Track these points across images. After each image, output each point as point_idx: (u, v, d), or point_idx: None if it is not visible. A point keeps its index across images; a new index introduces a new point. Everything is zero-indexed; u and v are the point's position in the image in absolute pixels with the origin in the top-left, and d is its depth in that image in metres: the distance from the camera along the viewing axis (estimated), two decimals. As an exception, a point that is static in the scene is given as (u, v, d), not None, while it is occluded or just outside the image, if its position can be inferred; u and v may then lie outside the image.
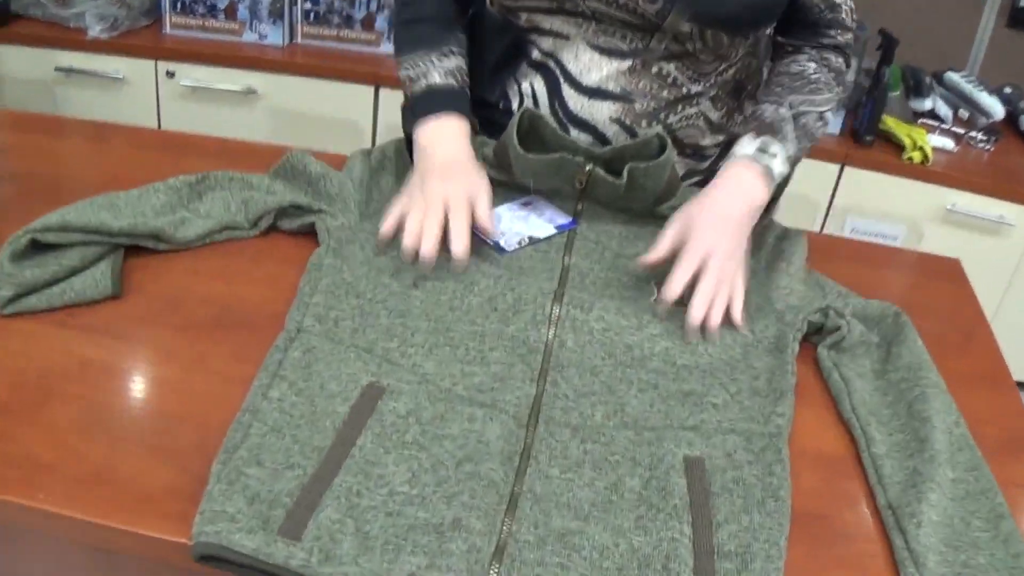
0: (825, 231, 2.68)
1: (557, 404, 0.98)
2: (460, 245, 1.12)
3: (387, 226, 1.15)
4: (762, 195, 1.19)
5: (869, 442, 1.00)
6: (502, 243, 1.19)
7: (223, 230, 1.19)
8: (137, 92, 2.73)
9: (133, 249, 1.14)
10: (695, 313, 1.10)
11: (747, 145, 1.23)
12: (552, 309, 1.08)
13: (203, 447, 0.88)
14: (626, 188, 1.23)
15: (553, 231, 1.22)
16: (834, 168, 2.58)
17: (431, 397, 0.96)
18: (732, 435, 0.98)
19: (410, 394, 0.96)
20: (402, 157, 1.32)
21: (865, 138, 2.59)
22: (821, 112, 1.27)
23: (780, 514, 0.89)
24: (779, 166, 1.21)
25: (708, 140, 1.38)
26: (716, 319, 1.11)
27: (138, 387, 0.96)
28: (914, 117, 2.72)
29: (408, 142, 1.30)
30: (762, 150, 1.21)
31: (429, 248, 1.11)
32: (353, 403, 0.94)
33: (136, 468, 0.86)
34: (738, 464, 0.95)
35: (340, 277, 1.11)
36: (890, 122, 2.65)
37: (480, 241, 1.19)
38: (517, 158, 1.24)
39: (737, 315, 1.12)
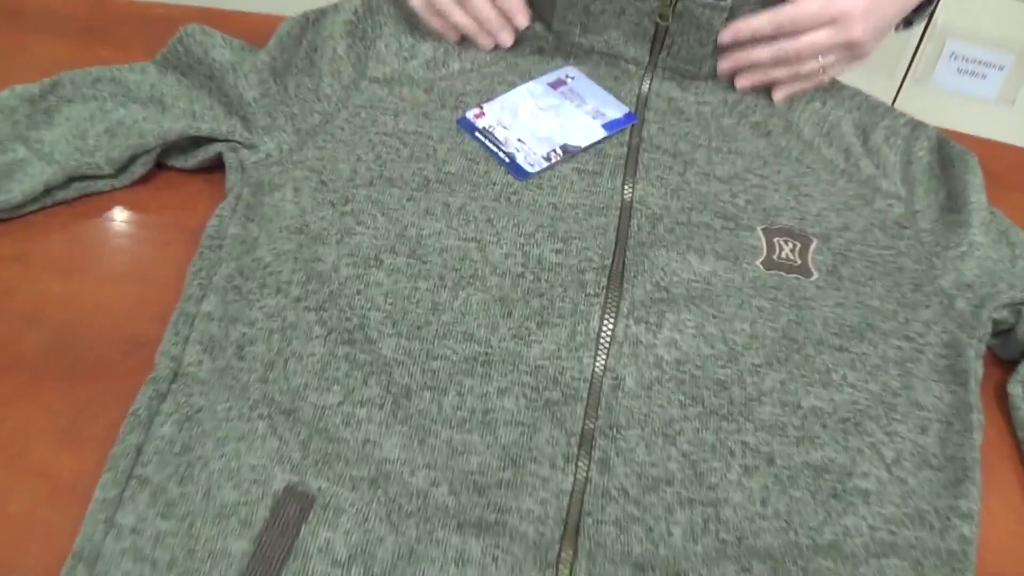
0: (920, 57, 2.15)
1: (608, 512, 0.58)
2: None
3: None
4: None
5: None
6: (520, 159, 0.76)
7: (72, 183, 0.75)
8: None
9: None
10: (741, 81, 0.83)
11: None
12: (602, 324, 0.66)
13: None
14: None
15: (601, 133, 0.78)
16: (934, -25, 2.04)
17: (392, 514, 0.57)
18: (892, 559, 0.59)
19: (356, 512, 0.56)
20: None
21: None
22: None
23: None
24: None
25: None
26: (777, 96, 0.83)
27: None
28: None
29: None
30: None
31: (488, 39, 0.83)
32: (258, 533, 0.55)
33: None
34: (909, 624, 0.56)
35: (252, 257, 0.68)
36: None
37: (486, 158, 0.76)
38: None
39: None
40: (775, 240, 0.74)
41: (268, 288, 0.66)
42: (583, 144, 0.78)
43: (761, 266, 0.72)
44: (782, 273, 0.72)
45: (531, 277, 0.68)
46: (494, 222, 0.71)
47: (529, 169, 0.75)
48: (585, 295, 0.67)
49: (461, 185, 0.73)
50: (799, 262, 0.73)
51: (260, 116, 0.76)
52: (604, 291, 0.67)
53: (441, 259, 0.69)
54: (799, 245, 0.74)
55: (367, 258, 0.68)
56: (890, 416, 0.65)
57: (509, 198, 0.73)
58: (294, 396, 0.61)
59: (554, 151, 0.77)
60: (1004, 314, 0.72)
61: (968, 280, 0.73)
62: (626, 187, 0.75)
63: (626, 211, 0.73)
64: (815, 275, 0.72)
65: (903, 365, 0.68)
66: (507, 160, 0.76)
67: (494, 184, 0.74)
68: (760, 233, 0.74)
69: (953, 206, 0.78)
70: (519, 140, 0.78)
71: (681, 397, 0.64)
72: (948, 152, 0.82)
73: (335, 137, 0.76)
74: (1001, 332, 0.73)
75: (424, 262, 0.68)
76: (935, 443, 0.64)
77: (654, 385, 0.64)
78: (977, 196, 0.78)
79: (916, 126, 0.84)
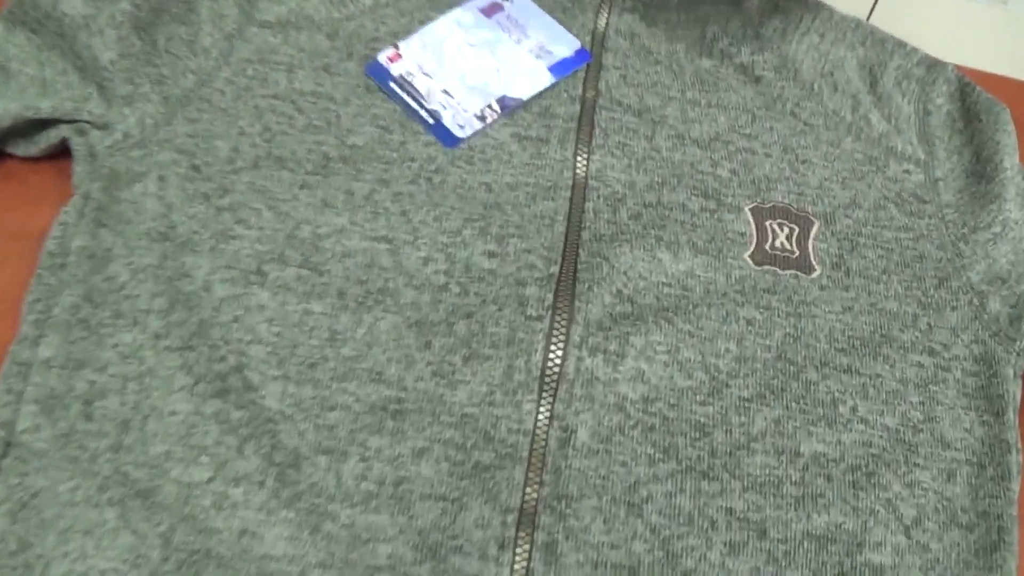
0: None
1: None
2: None
3: None
4: None
5: None
6: (447, 120, 0.61)
7: None
8: None
9: None
10: None
11: None
12: (547, 357, 0.52)
13: None
14: None
15: (547, 79, 0.63)
16: None
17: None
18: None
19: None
20: None
21: None
22: None
23: None
24: None
25: None
26: None
27: None
28: None
29: None
30: None
31: None
32: None
33: None
34: None
35: (103, 276, 0.54)
36: None
37: (402, 123, 0.61)
38: None
39: None
40: (767, 224, 0.59)
41: (123, 319, 0.52)
42: (525, 95, 0.62)
43: (750, 260, 0.57)
44: (776, 269, 0.57)
45: (457, 290, 0.54)
46: (410, 215, 0.56)
47: (459, 133, 0.60)
48: (525, 317, 0.53)
49: (369, 163, 0.58)
50: (797, 253, 0.58)
51: (119, 83, 0.60)
52: (550, 311, 0.53)
53: (342, 268, 0.54)
54: (797, 230, 0.59)
55: (247, 271, 0.54)
56: (910, 460, 0.52)
57: (430, 179, 0.58)
58: (153, 471, 0.48)
59: (489, 107, 0.62)
60: None
61: (1001, 271, 0.59)
62: (579, 158, 0.60)
63: (579, 191, 0.58)
64: (817, 270, 0.58)
65: (926, 388, 0.54)
66: (431, 121, 0.60)
67: (411, 160, 0.59)
68: (748, 215, 0.59)
69: (982, 172, 0.63)
70: (445, 92, 0.62)
71: (650, 450, 0.50)
72: (973, 101, 0.66)
73: (213, 104, 0.60)
74: None
75: (320, 273, 0.54)
76: (964, 493, 0.51)
77: (615, 435, 0.50)
78: (1011, 160, 0.62)
79: (932, 66, 0.68)
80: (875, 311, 0.56)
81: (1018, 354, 0.56)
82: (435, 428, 0.50)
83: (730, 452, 0.51)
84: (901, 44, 0.68)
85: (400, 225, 0.56)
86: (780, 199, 0.61)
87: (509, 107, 0.62)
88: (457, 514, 0.47)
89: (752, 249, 0.58)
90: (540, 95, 0.63)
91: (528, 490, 0.48)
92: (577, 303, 0.53)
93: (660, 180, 0.60)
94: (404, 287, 0.54)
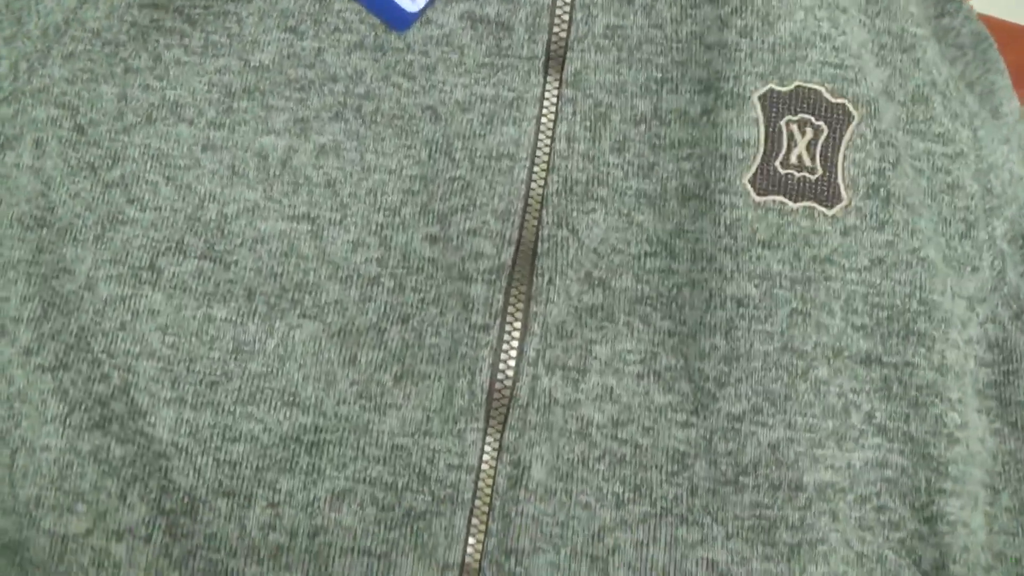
0: None
1: None
2: None
3: None
4: None
5: None
6: None
7: None
8: None
9: None
10: None
11: None
12: (495, 375, 0.43)
13: None
14: None
15: None
16: None
17: None
18: None
19: None
20: None
21: None
22: None
23: None
24: None
25: None
26: None
27: None
28: None
29: None
30: None
31: None
32: None
33: None
34: None
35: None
36: None
37: (316, 18, 0.48)
38: None
39: None
40: (783, 124, 0.44)
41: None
42: None
43: (750, 189, 0.44)
44: (786, 201, 0.43)
45: (391, 284, 0.44)
46: (337, 185, 0.46)
47: (410, 7, 0.47)
48: (469, 325, 0.43)
49: (280, 94, 0.46)
50: (819, 171, 0.44)
51: (6, 24, 0.49)
52: (499, 318, 0.43)
53: (253, 257, 0.45)
54: (825, 131, 0.44)
55: (138, 267, 0.44)
56: (934, 485, 0.43)
57: (359, 108, 0.46)
58: (22, 520, 0.40)
59: None
60: None
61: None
62: (553, 50, 0.46)
63: (551, 106, 0.46)
64: (844, 199, 0.44)
65: (961, 380, 0.44)
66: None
67: (332, 80, 0.47)
68: (756, 106, 0.45)
69: (984, 106, 0.49)
70: None
71: (618, 488, 0.41)
72: (954, 27, 0.50)
73: (85, 27, 0.48)
74: None
75: (225, 266, 0.44)
76: (979, 527, 0.43)
77: (576, 471, 0.42)
78: (1009, 105, 0.49)
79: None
80: (915, 262, 0.43)
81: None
82: (359, 464, 0.41)
83: (714, 489, 0.42)
84: None
85: (325, 200, 0.46)
86: (809, 75, 0.45)
87: None
88: (385, 573, 0.40)
89: (755, 169, 0.44)
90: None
91: (471, 541, 0.40)
92: (534, 305, 0.44)
93: (660, 76, 0.46)
94: (327, 280, 0.44)
